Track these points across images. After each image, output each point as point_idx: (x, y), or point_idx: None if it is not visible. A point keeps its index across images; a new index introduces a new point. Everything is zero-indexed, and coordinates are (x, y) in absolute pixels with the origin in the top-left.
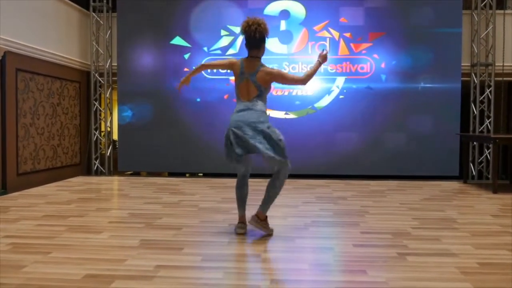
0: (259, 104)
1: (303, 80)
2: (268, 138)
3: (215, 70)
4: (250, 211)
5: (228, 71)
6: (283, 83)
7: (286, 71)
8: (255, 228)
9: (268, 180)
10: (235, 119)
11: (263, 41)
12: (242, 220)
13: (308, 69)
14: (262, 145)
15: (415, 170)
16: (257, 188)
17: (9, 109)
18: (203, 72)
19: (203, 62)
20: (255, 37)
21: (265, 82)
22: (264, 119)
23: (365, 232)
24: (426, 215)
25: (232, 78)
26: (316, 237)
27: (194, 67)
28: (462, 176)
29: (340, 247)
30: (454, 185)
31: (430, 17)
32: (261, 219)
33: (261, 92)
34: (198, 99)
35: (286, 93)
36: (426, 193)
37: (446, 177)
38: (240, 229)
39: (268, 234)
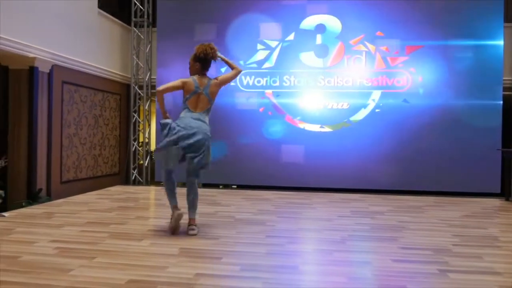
0: (207, 120)
1: (240, 70)
2: (206, 152)
3: (232, 83)
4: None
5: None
6: (229, 82)
7: (223, 74)
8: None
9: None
10: (190, 124)
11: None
12: (177, 207)
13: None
14: (196, 159)
15: (454, 186)
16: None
17: (55, 120)
18: (239, 85)
19: (157, 89)
20: (210, 60)
21: (214, 94)
22: (210, 134)
23: (403, 248)
24: (467, 232)
25: (268, 91)
26: (353, 251)
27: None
28: (504, 193)
29: (378, 261)
30: (495, 202)
31: (469, 30)
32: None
33: (211, 105)
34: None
35: (321, 107)
36: (465, 210)
37: (487, 194)
38: (180, 211)
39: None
